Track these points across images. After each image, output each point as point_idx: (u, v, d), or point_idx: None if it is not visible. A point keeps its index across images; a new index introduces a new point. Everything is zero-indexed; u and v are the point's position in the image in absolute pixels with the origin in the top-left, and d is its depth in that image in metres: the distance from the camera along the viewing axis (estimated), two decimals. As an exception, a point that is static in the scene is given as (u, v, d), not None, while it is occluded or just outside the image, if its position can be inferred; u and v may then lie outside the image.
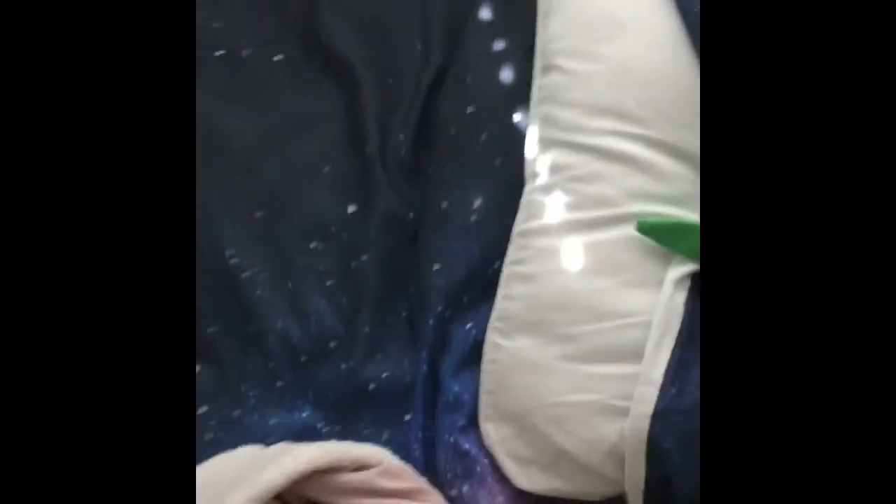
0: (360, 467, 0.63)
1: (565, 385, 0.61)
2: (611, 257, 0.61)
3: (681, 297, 0.60)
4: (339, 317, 0.72)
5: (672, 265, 0.60)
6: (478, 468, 0.68)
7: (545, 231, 0.64)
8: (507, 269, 0.66)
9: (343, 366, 0.71)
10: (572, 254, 0.62)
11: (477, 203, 0.71)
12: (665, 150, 0.63)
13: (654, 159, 0.62)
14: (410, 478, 0.65)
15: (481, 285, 0.69)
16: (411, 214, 0.74)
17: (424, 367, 0.71)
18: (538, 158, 0.67)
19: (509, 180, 0.69)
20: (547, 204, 0.65)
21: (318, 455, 0.62)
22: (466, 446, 0.68)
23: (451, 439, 0.69)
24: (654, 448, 0.59)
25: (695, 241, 0.59)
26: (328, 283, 0.72)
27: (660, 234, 0.60)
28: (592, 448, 0.61)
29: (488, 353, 0.66)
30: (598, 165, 0.63)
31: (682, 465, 0.59)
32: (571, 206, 0.63)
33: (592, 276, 0.61)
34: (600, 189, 0.63)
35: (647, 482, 0.61)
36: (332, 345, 0.71)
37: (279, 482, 0.59)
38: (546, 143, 0.66)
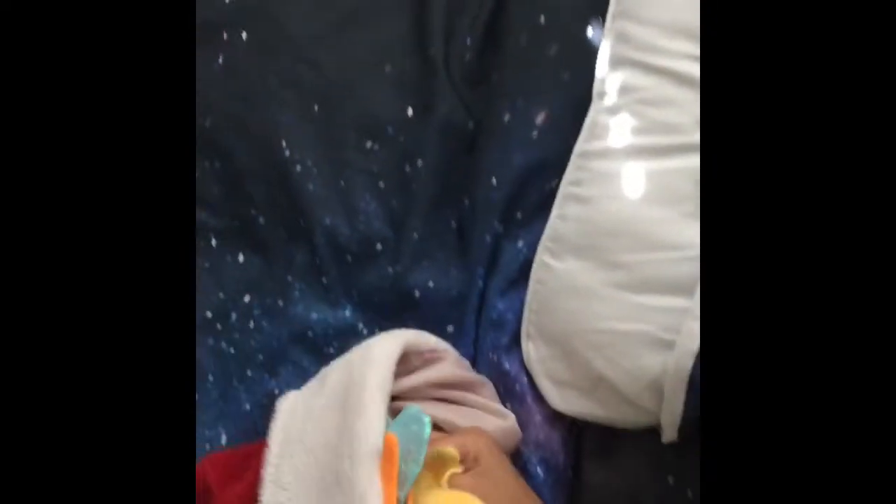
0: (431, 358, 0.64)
1: (611, 312, 0.60)
2: (673, 187, 0.59)
3: None
4: (389, 220, 0.71)
5: None
6: (517, 387, 0.68)
7: (607, 154, 0.62)
8: (564, 190, 0.64)
9: (389, 269, 0.71)
10: (633, 180, 0.60)
11: (540, 118, 0.68)
12: None
13: None
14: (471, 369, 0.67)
15: (536, 203, 0.68)
16: (471, 123, 0.72)
17: (480, 283, 0.70)
18: (608, 77, 0.64)
19: (576, 97, 0.66)
20: (612, 126, 0.62)
21: (398, 340, 0.61)
22: (507, 365, 0.68)
23: (494, 357, 0.69)
24: (696, 385, 0.58)
25: None
26: (381, 184, 0.71)
27: None
28: (633, 378, 0.60)
29: (536, 272, 0.65)
30: (670, 90, 0.60)
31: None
32: (637, 131, 0.61)
33: (651, 205, 0.59)
34: (670, 115, 0.60)
35: (684, 417, 0.60)
36: (378, 247, 0.71)
37: (390, 364, 0.58)
38: (617, 62, 0.63)
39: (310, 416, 0.58)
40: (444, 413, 0.64)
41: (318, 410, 0.58)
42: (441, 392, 0.65)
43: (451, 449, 0.57)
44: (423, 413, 0.56)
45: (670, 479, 0.63)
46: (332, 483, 0.53)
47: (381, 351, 0.59)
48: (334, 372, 0.61)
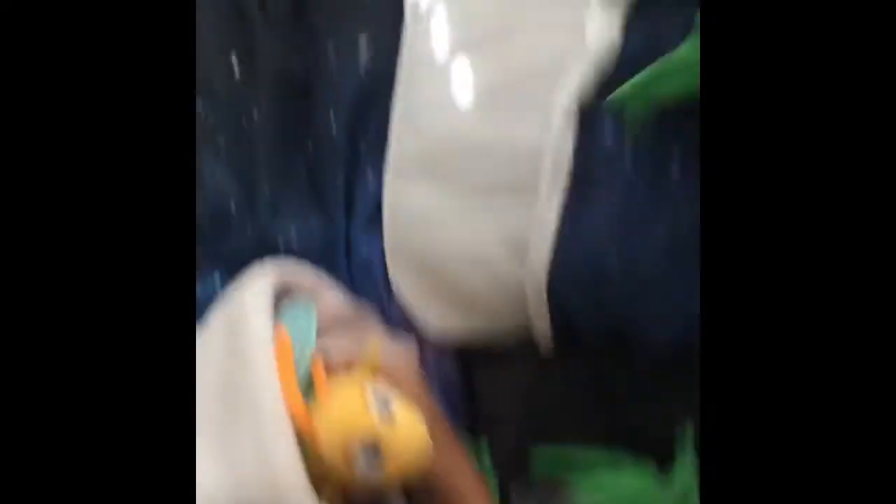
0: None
1: (463, 225, 0.59)
2: (490, 83, 0.58)
3: (569, 133, 0.56)
4: (236, 178, 0.70)
5: (558, 91, 0.56)
6: (392, 320, 0.67)
7: (426, 64, 0.60)
8: (396, 111, 0.62)
9: (248, 229, 0.70)
10: (452, 86, 0.59)
11: (362, 44, 0.67)
12: None
13: None
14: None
15: (376, 132, 0.66)
16: (299, 63, 0.70)
17: (342, 224, 0.70)
18: (419, -12, 0.62)
19: (395, 16, 0.64)
20: (426, 33, 0.60)
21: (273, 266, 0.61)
22: (383, 300, 0.67)
23: (370, 294, 0.68)
24: (553, 293, 0.58)
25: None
26: (220, 143, 0.69)
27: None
28: (497, 287, 0.59)
29: (387, 199, 0.64)
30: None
31: (581, 305, 0.59)
32: (450, 33, 0.59)
33: (475, 108, 0.58)
34: (474, 7, 0.59)
35: (552, 324, 0.60)
36: (232, 208, 0.70)
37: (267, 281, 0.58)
38: (425, -31, 0.62)
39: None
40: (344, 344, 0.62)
41: (199, 348, 0.56)
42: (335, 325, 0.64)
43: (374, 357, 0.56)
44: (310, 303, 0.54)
45: (558, 387, 0.65)
46: (231, 403, 0.52)
47: (255, 274, 0.59)
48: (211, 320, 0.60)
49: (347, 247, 0.69)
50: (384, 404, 0.50)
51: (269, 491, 0.50)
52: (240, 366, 0.53)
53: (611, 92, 0.55)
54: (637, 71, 0.54)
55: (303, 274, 0.64)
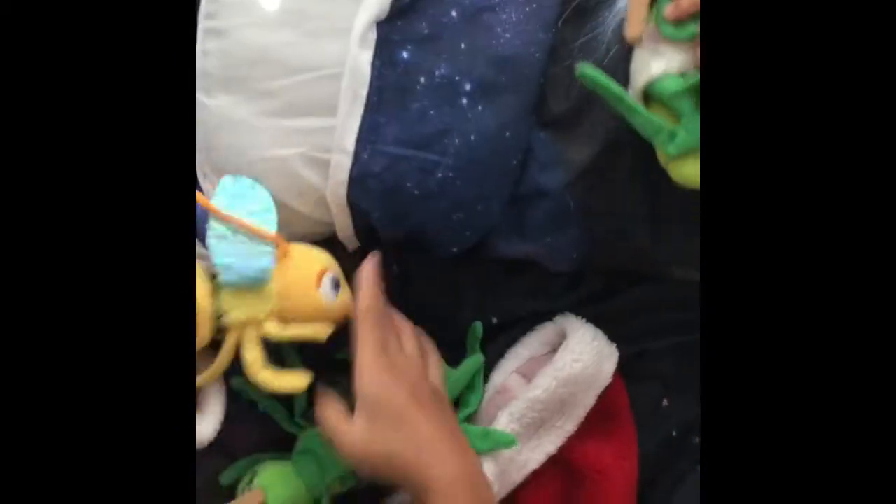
0: None
1: (268, 140, 0.61)
2: (293, 5, 0.59)
3: (366, 57, 0.59)
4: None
5: (358, 15, 0.59)
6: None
7: (232, -19, 0.61)
8: (201, 24, 0.63)
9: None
10: (256, 4, 0.60)
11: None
12: None
13: None
14: None
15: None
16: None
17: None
18: None
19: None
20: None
21: None
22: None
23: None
24: (355, 208, 0.63)
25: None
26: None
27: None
28: (303, 198, 0.63)
29: (196, 112, 0.65)
30: None
31: (380, 218, 0.63)
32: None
33: (278, 27, 0.60)
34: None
35: (356, 231, 0.65)
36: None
37: None
38: None
39: None
40: None
41: None
42: None
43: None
44: None
45: (394, 268, 0.69)
46: None
47: None
48: None
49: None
50: None
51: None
52: None
53: (405, 15, 0.59)
54: None
55: None
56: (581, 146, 0.62)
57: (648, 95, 0.53)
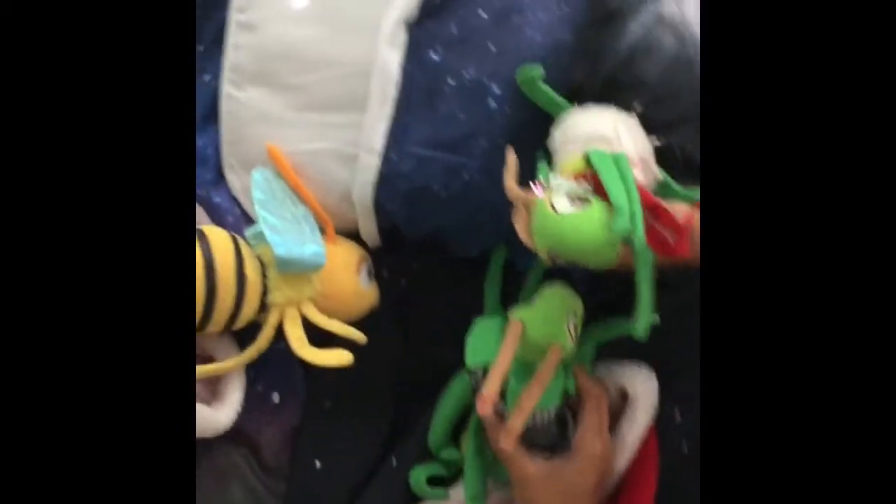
0: None
1: (297, 134, 0.62)
2: (326, 1, 0.60)
3: (395, 58, 0.59)
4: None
5: (387, 14, 0.59)
6: (230, 218, 0.69)
7: (266, -24, 0.62)
8: (232, 17, 0.64)
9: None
10: (293, 1, 0.61)
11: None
12: None
13: None
14: None
15: (214, 35, 0.67)
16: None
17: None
18: None
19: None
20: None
21: None
22: (217, 199, 0.69)
23: (203, 192, 0.69)
24: (381, 208, 0.63)
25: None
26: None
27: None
28: (328, 191, 0.64)
29: (224, 104, 0.66)
30: None
31: (405, 217, 0.64)
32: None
33: (308, 23, 0.60)
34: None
35: (379, 231, 0.65)
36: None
37: None
38: None
39: None
40: None
41: None
42: None
43: None
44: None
45: (385, 273, 0.70)
46: None
47: None
48: None
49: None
50: None
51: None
52: None
53: (435, 15, 0.59)
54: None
55: None
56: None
57: None
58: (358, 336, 0.63)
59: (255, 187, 0.60)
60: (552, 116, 0.59)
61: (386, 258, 0.69)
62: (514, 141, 0.60)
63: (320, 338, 0.64)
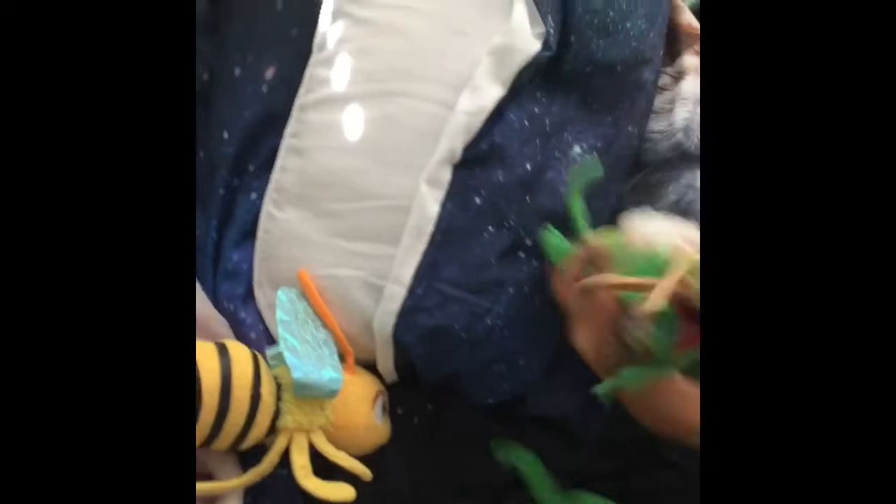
0: None
1: (328, 259, 0.63)
2: (372, 136, 0.62)
3: (435, 200, 0.60)
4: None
5: (431, 157, 0.60)
6: (253, 335, 0.69)
7: (320, 105, 0.64)
8: (286, 142, 0.66)
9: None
10: (338, 130, 0.62)
11: (269, 73, 0.69)
12: (446, 27, 0.62)
13: (431, 37, 0.62)
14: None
15: (266, 156, 0.69)
16: (205, 75, 0.72)
17: (214, 234, 0.71)
18: (328, 31, 0.66)
19: (304, 53, 0.67)
20: (325, 77, 0.64)
21: None
22: (243, 314, 0.69)
23: (230, 307, 0.70)
24: (399, 341, 0.63)
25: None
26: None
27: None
28: (351, 319, 0.63)
29: (263, 222, 0.67)
30: (372, 40, 0.63)
31: (423, 355, 0.63)
32: (344, 81, 0.63)
33: (354, 155, 0.62)
34: (370, 64, 0.62)
35: (396, 365, 0.65)
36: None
37: None
38: (337, 15, 0.65)
39: None
40: None
41: None
42: None
43: None
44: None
45: (399, 410, 0.68)
46: None
47: None
48: None
49: (217, 255, 0.71)
50: None
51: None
52: None
53: (485, 163, 0.60)
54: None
55: None
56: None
57: None
58: (364, 472, 0.62)
59: (279, 307, 0.61)
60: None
61: (401, 395, 0.67)
62: (538, 293, 0.60)
63: (324, 467, 0.62)
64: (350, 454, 0.63)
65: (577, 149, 0.63)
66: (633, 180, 0.63)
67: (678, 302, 0.51)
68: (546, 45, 0.61)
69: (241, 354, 0.61)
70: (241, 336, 0.69)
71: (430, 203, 0.60)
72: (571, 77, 0.62)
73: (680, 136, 0.64)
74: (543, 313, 0.61)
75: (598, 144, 0.64)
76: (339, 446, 0.63)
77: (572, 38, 0.62)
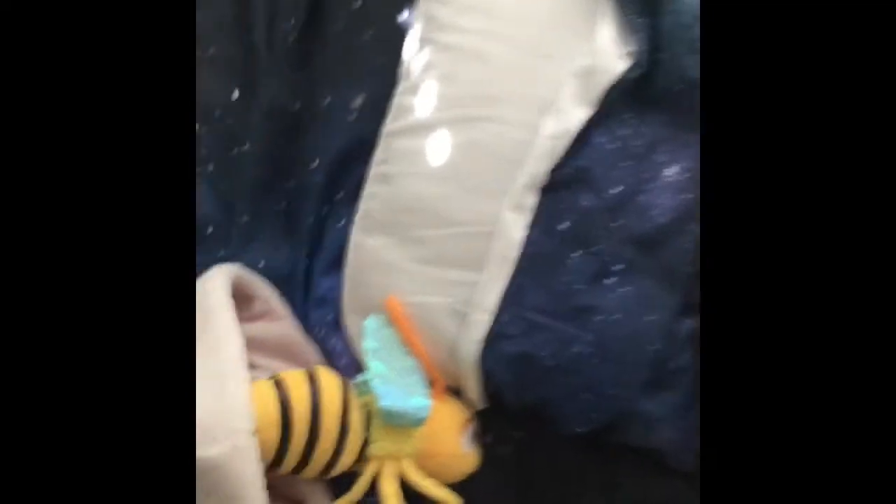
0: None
1: (414, 286, 0.62)
2: (456, 162, 0.61)
3: (520, 226, 0.59)
4: (218, 203, 0.72)
5: (516, 182, 0.60)
6: (343, 361, 0.70)
7: (406, 132, 0.64)
8: (374, 169, 0.66)
9: (221, 252, 0.72)
10: (424, 157, 0.62)
11: (357, 102, 0.70)
12: (529, 50, 0.61)
13: (514, 61, 0.61)
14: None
15: (356, 184, 0.69)
16: (297, 105, 0.73)
17: (306, 262, 0.72)
18: (414, 58, 0.66)
19: (390, 81, 0.68)
20: (411, 105, 0.64)
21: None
22: (333, 341, 0.70)
23: (320, 333, 0.71)
24: (485, 369, 0.62)
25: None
26: (209, 168, 0.73)
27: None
28: (437, 346, 0.63)
29: (351, 249, 0.67)
30: (457, 66, 0.62)
31: (509, 383, 0.62)
32: (429, 108, 0.63)
33: (439, 181, 0.61)
34: (454, 90, 0.62)
35: (481, 388, 0.64)
36: (209, 230, 0.72)
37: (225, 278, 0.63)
38: (423, 43, 0.66)
39: None
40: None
41: None
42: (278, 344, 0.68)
43: None
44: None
45: (488, 437, 0.67)
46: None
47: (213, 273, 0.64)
48: None
49: (307, 283, 0.72)
50: None
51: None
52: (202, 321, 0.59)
53: (571, 187, 0.59)
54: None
55: (257, 282, 0.69)
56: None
57: None
58: (453, 501, 0.61)
59: (367, 335, 0.61)
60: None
61: (490, 422, 0.66)
62: (629, 320, 0.58)
63: (413, 495, 0.62)
64: (439, 482, 0.62)
65: (671, 170, 0.61)
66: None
67: None
68: (636, 63, 0.59)
69: (330, 381, 0.61)
70: (331, 363, 0.70)
71: (514, 229, 0.59)
72: (661, 96, 0.60)
73: None
74: (634, 340, 0.59)
75: (692, 165, 0.62)
76: (428, 474, 0.63)
77: (662, 55, 0.60)
